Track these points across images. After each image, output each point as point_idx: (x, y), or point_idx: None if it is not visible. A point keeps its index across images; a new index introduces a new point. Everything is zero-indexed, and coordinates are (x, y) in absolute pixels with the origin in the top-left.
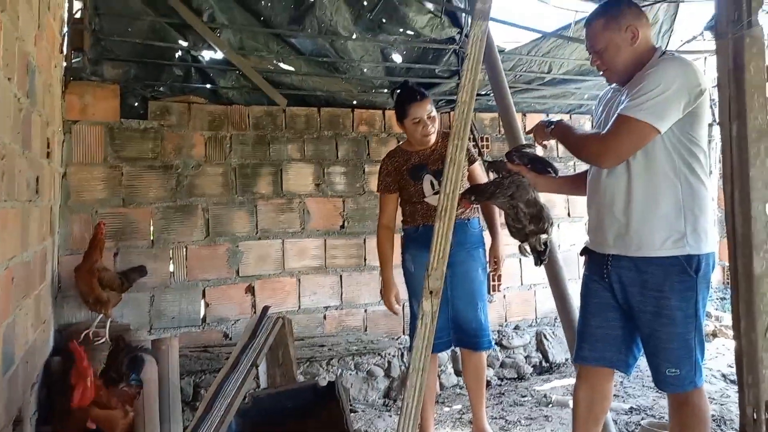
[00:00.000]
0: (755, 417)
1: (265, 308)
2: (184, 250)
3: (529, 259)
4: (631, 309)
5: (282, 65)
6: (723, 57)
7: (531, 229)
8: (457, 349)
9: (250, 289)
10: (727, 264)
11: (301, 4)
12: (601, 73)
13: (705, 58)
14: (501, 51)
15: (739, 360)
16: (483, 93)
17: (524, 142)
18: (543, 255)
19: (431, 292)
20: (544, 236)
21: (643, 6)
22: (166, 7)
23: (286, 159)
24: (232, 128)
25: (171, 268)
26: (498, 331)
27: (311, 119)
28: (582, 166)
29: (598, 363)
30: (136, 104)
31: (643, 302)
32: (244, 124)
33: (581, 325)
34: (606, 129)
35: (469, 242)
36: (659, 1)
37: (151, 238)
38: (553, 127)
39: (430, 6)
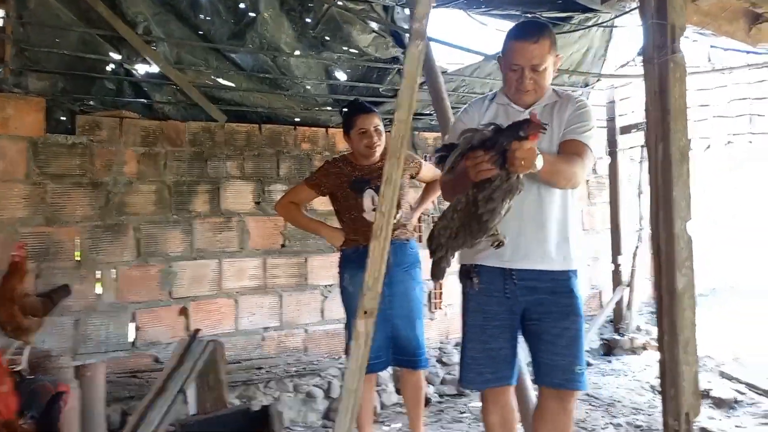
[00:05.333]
0: (677, 428)
1: (195, 332)
2: (113, 271)
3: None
4: (532, 315)
5: (221, 81)
6: (650, 81)
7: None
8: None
9: (184, 311)
10: None
11: (242, 19)
12: (523, 91)
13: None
14: (444, 72)
15: (663, 373)
16: (427, 113)
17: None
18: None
19: (366, 312)
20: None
21: (580, 29)
22: (99, 19)
23: (224, 176)
24: (167, 144)
25: (98, 290)
26: (439, 348)
27: (252, 136)
28: None
29: (501, 383)
30: (64, 118)
31: (554, 303)
32: (181, 140)
33: (478, 351)
34: (576, 153)
35: (408, 262)
36: (594, 26)
37: (77, 258)
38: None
39: (374, 25)
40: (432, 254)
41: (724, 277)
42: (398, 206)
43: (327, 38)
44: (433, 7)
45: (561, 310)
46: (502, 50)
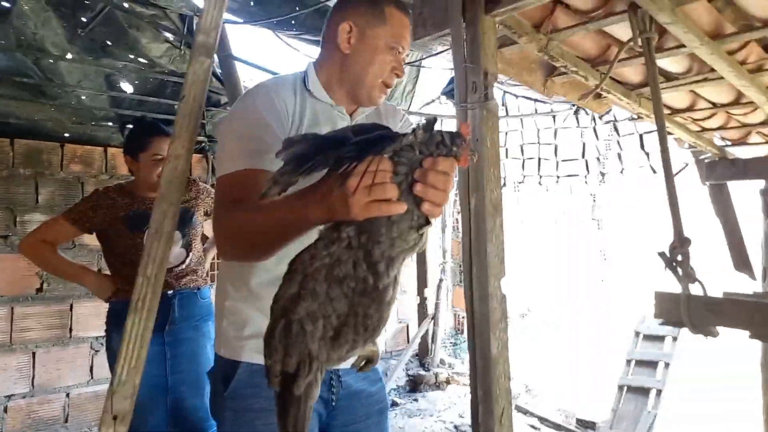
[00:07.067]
0: None
1: None
2: None
3: None
4: (353, 425)
5: None
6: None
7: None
8: None
9: None
10: (460, 310)
11: None
12: (389, 86)
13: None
14: None
15: None
16: None
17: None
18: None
19: (115, 418)
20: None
21: None
22: None
23: None
24: None
25: None
26: None
27: (1, 152)
28: None
29: None
30: None
31: (373, 400)
32: None
33: None
34: None
35: (198, 315)
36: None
37: None
38: None
39: (168, 35)
40: (288, 379)
41: (515, 308)
42: (189, 249)
43: (108, 42)
44: (238, 23)
45: (380, 409)
46: (359, 20)
